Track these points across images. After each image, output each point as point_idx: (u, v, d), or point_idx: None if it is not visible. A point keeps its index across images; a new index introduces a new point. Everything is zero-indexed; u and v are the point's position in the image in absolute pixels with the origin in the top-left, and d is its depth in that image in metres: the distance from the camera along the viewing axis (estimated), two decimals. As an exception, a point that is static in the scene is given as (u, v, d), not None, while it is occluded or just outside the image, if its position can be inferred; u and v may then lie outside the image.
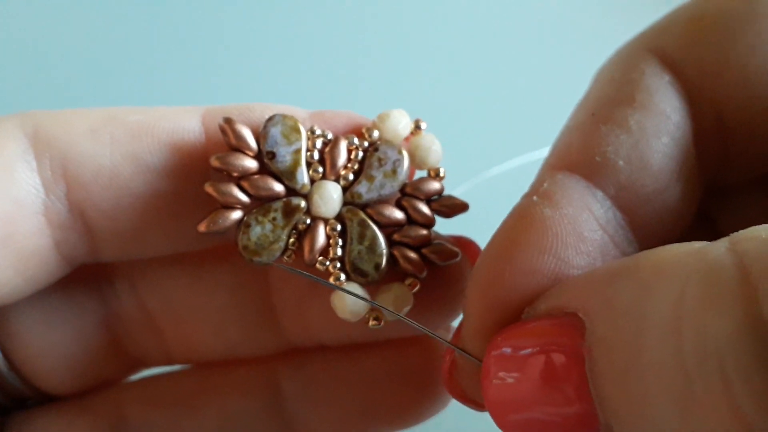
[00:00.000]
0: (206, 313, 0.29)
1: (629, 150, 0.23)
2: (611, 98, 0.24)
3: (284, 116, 0.26)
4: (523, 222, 0.23)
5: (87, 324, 0.29)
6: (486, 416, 0.24)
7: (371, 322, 0.26)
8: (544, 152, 0.26)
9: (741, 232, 0.18)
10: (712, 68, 0.24)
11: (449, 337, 0.27)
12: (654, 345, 0.18)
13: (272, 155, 0.26)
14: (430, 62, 0.52)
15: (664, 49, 0.24)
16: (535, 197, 0.23)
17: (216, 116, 0.26)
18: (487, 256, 0.23)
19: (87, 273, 0.28)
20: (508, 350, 0.21)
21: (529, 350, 0.21)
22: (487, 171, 0.29)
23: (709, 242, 0.19)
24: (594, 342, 0.19)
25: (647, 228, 0.24)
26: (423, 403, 0.30)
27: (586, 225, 0.23)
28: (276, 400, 0.30)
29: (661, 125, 0.24)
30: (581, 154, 0.24)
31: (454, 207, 0.27)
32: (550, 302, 0.21)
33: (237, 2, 0.53)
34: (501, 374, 0.21)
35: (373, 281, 0.26)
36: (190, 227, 0.27)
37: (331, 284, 0.26)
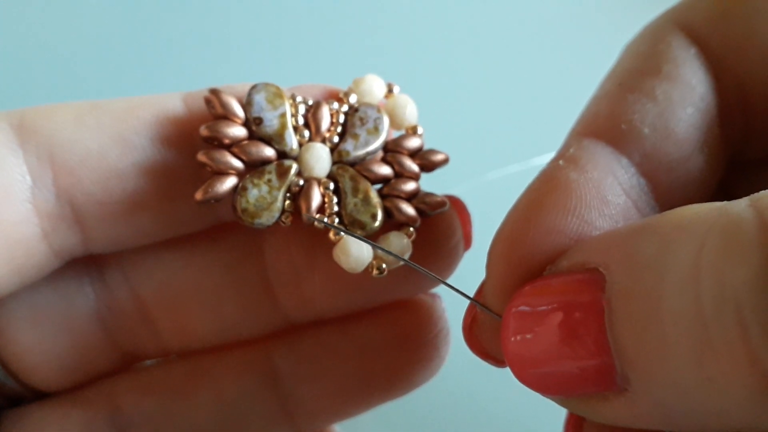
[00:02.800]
0: (201, 294, 0.29)
1: (655, 118, 0.24)
2: (638, 69, 0.25)
3: (266, 84, 0.27)
4: (549, 184, 0.24)
5: (77, 319, 0.29)
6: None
7: (375, 272, 0.27)
8: (541, 159, 0.26)
9: (763, 191, 0.19)
10: (736, 43, 0.25)
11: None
12: (673, 294, 0.18)
13: (260, 121, 0.27)
14: (431, 62, 0.52)
15: (690, 23, 0.25)
16: (561, 161, 0.24)
17: (197, 97, 0.27)
18: (511, 215, 0.24)
19: (76, 266, 0.28)
20: (528, 306, 0.22)
21: (550, 305, 0.21)
22: (484, 175, 0.30)
23: (731, 201, 0.19)
24: (614, 294, 0.20)
25: (670, 195, 0.25)
26: (418, 368, 0.30)
27: (611, 189, 0.24)
28: (271, 380, 0.30)
29: (687, 95, 0.24)
30: (608, 122, 0.25)
31: (435, 161, 0.29)
32: (572, 259, 0.22)
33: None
34: (521, 329, 0.22)
35: (372, 232, 0.27)
36: (181, 207, 0.27)
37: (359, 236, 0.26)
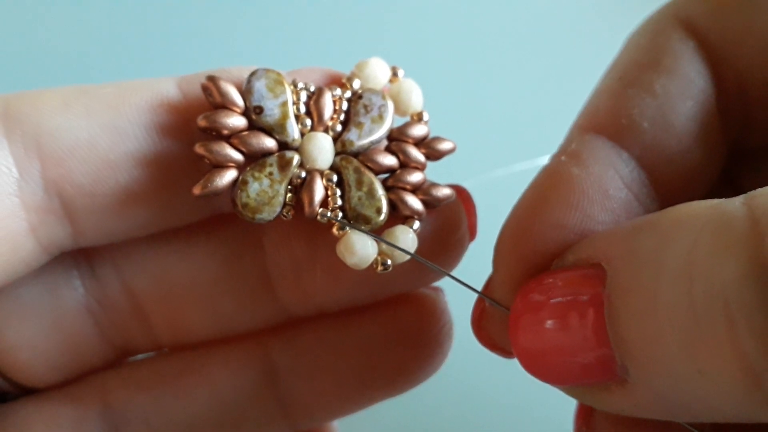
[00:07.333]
0: (197, 288, 0.29)
1: (654, 112, 0.25)
2: (638, 63, 0.26)
3: (266, 70, 0.26)
4: (552, 180, 0.25)
5: (66, 314, 0.29)
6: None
7: (379, 268, 0.26)
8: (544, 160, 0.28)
9: (758, 189, 0.20)
10: (734, 35, 0.26)
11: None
12: (667, 289, 0.20)
13: (260, 110, 0.26)
14: (437, 60, 0.52)
15: (690, 17, 0.27)
16: (563, 157, 0.26)
17: (192, 82, 0.26)
18: (517, 211, 0.26)
19: (64, 259, 0.28)
20: (536, 299, 0.23)
21: (555, 299, 0.23)
22: (491, 172, 0.30)
23: (727, 199, 0.20)
24: (613, 288, 0.22)
25: (671, 187, 0.26)
26: (420, 364, 0.30)
27: (612, 183, 0.25)
28: (269, 375, 0.30)
29: (686, 89, 0.26)
30: (608, 117, 0.26)
31: (441, 149, 0.28)
32: (578, 254, 0.23)
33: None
34: (528, 322, 0.23)
35: (377, 226, 0.26)
36: (175, 198, 0.27)
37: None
